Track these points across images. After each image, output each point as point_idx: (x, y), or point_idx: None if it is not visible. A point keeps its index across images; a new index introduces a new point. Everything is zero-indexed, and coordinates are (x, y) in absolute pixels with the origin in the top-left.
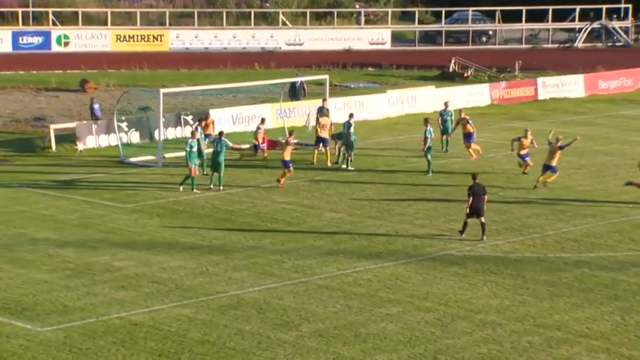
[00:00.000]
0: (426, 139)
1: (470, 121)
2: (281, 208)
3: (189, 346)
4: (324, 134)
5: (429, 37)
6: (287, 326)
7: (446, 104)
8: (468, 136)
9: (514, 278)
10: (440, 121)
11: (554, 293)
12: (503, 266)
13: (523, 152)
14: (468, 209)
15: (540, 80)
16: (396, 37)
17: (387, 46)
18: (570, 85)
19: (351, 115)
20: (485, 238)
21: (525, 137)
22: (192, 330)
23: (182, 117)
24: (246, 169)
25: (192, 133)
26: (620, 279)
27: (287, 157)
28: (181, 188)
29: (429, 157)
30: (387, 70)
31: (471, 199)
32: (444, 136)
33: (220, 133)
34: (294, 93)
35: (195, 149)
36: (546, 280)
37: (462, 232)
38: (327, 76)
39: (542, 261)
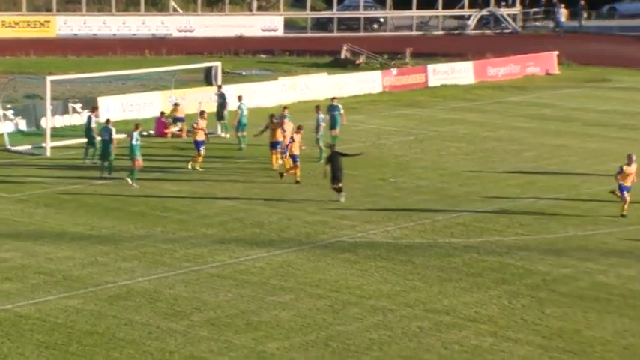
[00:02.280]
0: (318, 126)
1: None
2: (172, 197)
3: (78, 338)
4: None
5: (321, 24)
6: (178, 315)
7: (333, 99)
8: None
9: (405, 264)
10: (329, 117)
11: (444, 278)
12: (394, 252)
13: (626, 184)
14: (331, 179)
15: (431, 67)
16: (288, 24)
17: (279, 33)
18: (460, 72)
19: (239, 98)
20: (343, 199)
21: (629, 164)
22: (80, 321)
23: (70, 105)
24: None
25: (137, 126)
26: (508, 262)
27: (295, 151)
28: (133, 183)
29: (321, 144)
30: (279, 57)
31: (328, 167)
32: (332, 132)
33: (107, 121)
34: (209, 79)
35: (139, 142)
36: (436, 265)
37: (339, 194)
38: (219, 63)
39: (432, 246)
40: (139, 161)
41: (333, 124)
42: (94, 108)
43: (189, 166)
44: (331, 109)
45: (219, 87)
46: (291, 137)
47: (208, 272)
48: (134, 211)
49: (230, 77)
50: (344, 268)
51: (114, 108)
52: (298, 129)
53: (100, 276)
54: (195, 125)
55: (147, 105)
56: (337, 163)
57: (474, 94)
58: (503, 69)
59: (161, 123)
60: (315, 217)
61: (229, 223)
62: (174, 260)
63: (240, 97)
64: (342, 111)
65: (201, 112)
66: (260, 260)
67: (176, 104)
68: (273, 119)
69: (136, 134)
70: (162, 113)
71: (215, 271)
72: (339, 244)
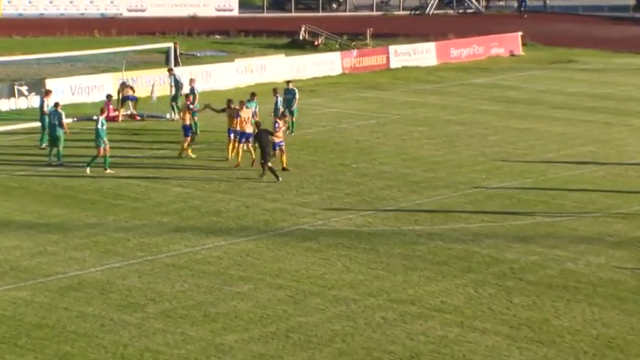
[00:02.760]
0: (276, 109)
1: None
2: (125, 183)
3: (27, 331)
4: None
5: (278, 4)
6: (132, 307)
7: (288, 82)
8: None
9: (368, 252)
10: (284, 101)
11: (409, 267)
12: (357, 240)
13: None
14: (261, 156)
15: (392, 48)
16: (244, 4)
17: (235, 13)
18: (422, 54)
19: (191, 81)
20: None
21: None
22: (29, 314)
23: (16, 87)
24: (88, 142)
25: (102, 110)
26: (474, 251)
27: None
28: (88, 170)
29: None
30: (235, 38)
31: (257, 144)
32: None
33: (56, 105)
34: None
35: (105, 127)
36: (400, 253)
37: (277, 178)
38: (172, 44)
39: (396, 234)
40: (106, 148)
41: (289, 109)
42: (47, 92)
43: (190, 153)
44: (287, 92)
45: (170, 70)
46: (276, 122)
47: (163, 262)
48: (85, 198)
49: (184, 59)
50: (305, 257)
51: (62, 91)
52: (282, 115)
53: (50, 266)
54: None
55: (97, 88)
56: (265, 141)
57: (437, 76)
58: (466, 50)
59: (108, 107)
60: (275, 205)
61: (185, 211)
62: (127, 250)
63: (192, 81)
64: (297, 96)
65: (187, 95)
66: (217, 249)
67: (123, 84)
68: (231, 104)
69: (101, 118)
70: (109, 97)
71: (170, 260)
72: (300, 232)
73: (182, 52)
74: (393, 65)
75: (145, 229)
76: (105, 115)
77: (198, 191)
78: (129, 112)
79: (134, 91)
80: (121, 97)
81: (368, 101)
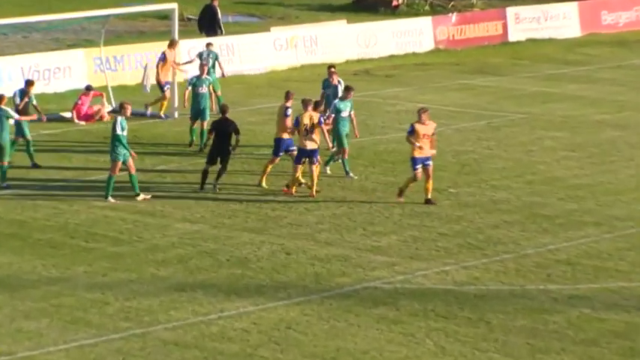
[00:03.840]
0: (329, 103)
1: None
2: (102, 217)
3: None
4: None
5: None
6: None
7: (331, 69)
8: None
9: (474, 325)
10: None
11: (538, 348)
12: (457, 306)
13: None
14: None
15: (511, 11)
16: None
17: None
18: (558, 19)
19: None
20: (217, 188)
21: None
22: None
23: None
24: (51, 153)
25: (122, 105)
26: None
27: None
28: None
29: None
30: None
31: (213, 136)
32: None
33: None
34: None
35: (126, 132)
36: (524, 326)
37: (200, 187)
38: (175, 5)
39: (518, 297)
40: (129, 163)
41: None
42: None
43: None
44: (325, 85)
45: (173, 43)
46: (322, 115)
47: (160, 337)
48: (42, 240)
49: (191, 27)
50: (377, 331)
51: (12, 75)
52: (323, 107)
53: None
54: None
55: (63, 72)
56: (223, 136)
57: (582, 55)
58: (626, 14)
59: (86, 101)
60: (330, 250)
61: (193, 259)
62: (105, 318)
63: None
64: (340, 89)
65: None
66: (243, 318)
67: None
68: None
69: (120, 119)
70: (88, 88)
71: (171, 335)
72: (369, 292)
73: (190, 16)
74: (513, 37)
75: (132, 287)
76: (127, 112)
77: (213, 229)
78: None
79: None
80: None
81: (474, 92)
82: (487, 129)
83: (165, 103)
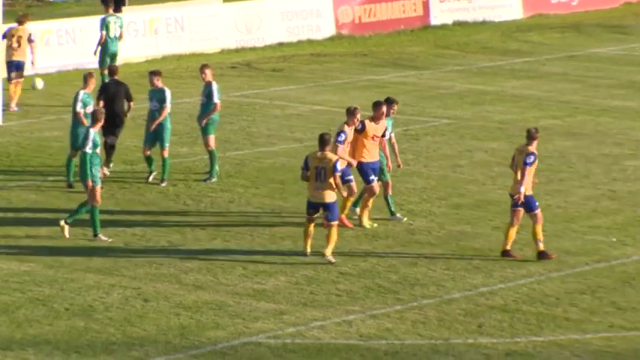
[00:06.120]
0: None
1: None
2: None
3: None
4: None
5: None
6: None
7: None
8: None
9: None
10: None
11: None
12: None
13: None
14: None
15: None
16: None
17: None
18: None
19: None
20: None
21: None
22: None
23: None
24: None
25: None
26: None
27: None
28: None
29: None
30: None
31: (102, 103)
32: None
33: None
34: None
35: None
36: None
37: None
38: None
39: (441, 354)
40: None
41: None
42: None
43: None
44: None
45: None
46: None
47: None
48: None
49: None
50: None
51: None
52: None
53: None
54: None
55: None
56: (116, 100)
57: (524, 43)
58: None
59: None
60: (200, 295)
61: (22, 309)
62: None
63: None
64: (216, 96)
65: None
66: None
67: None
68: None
69: (92, 132)
70: None
71: None
72: (250, 349)
73: None
74: (436, 20)
75: None
76: (98, 125)
77: (49, 269)
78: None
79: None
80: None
81: (387, 91)
82: (403, 138)
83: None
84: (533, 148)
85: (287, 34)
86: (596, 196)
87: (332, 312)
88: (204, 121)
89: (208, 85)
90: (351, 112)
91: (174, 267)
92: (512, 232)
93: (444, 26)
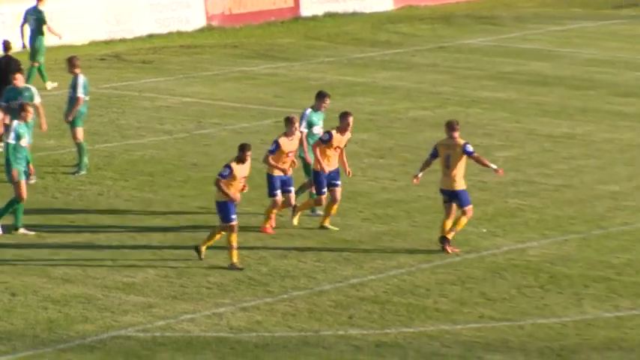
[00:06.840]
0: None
1: None
2: None
3: None
4: None
5: None
6: None
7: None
8: None
9: None
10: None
11: None
12: (234, 358)
13: None
14: None
15: None
16: None
17: None
18: None
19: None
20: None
21: None
22: None
23: None
24: None
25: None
26: None
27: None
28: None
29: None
30: None
31: None
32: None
33: None
34: None
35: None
36: None
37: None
38: None
39: (312, 345)
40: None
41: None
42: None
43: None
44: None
45: None
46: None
47: None
48: None
49: None
50: None
51: None
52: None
53: None
54: None
55: None
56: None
57: (394, 34)
58: None
59: None
60: (68, 289)
61: None
62: None
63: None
64: (81, 91)
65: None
66: None
67: None
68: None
69: (16, 123)
70: None
71: None
72: (119, 343)
73: None
74: (306, 11)
75: None
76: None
77: None
78: None
79: None
80: None
81: (257, 82)
82: (274, 130)
83: None
84: (460, 139)
85: (157, 26)
86: (467, 187)
87: (202, 305)
88: (70, 117)
89: (75, 77)
90: (341, 116)
91: (42, 260)
92: (448, 223)
93: (314, 17)
